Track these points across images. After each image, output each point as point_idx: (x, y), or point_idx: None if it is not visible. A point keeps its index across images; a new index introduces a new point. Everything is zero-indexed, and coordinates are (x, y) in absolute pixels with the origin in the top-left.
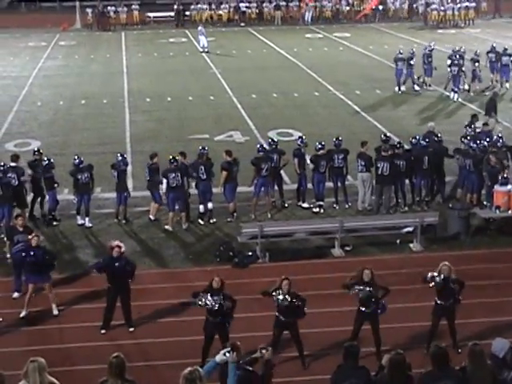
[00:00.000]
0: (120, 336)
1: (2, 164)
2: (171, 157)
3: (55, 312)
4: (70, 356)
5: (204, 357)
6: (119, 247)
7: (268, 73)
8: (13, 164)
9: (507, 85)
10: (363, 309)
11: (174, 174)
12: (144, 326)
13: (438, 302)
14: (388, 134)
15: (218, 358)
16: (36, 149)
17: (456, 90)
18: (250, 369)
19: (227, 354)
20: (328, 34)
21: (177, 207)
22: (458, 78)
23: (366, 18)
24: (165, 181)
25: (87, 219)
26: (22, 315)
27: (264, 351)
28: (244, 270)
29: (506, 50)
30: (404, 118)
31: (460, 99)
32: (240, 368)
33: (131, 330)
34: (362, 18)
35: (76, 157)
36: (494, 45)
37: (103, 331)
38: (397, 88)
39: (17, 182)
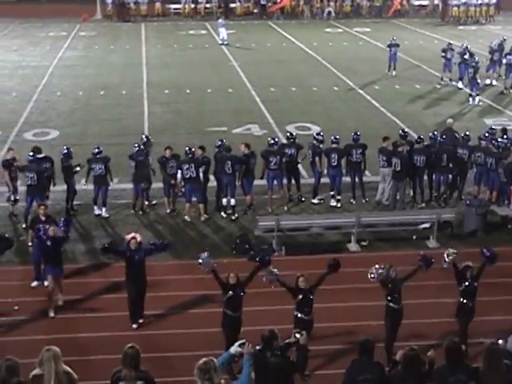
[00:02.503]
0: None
1: (32, 154)
2: (187, 148)
3: (60, 302)
4: (85, 346)
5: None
6: (134, 238)
7: (287, 66)
8: (42, 155)
9: None
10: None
11: (187, 166)
12: (158, 318)
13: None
14: (406, 130)
15: (233, 349)
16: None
17: (473, 94)
18: (284, 355)
19: (242, 346)
20: (348, 29)
21: (194, 199)
22: (473, 80)
23: (395, 13)
24: (179, 172)
25: (104, 209)
26: (51, 315)
27: (298, 335)
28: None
29: None
30: (423, 114)
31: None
32: (273, 355)
33: (141, 321)
34: (394, 13)
35: (96, 146)
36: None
37: (134, 326)
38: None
39: (50, 172)
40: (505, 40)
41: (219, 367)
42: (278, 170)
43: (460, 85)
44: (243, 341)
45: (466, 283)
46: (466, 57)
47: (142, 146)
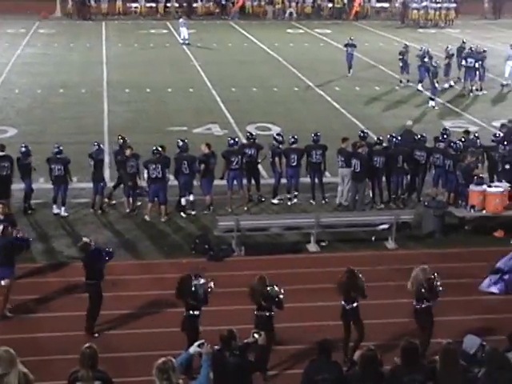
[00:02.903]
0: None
1: None
2: (155, 148)
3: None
4: (42, 346)
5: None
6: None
7: (248, 67)
8: (2, 153)
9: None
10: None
11: (154, 166)
12: (116, 318)
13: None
14: (365, 131)
15: (192, 349)
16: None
17: (432, 97)
18: (242, 355)
19: (201, 346)
20: (309, 30)
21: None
22: (432, 84)
23: (357, 15)
24: (145, 171)
25: (63, 209)
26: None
27: (257, 335)
28: (219, 263)
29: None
30: (382, 116)
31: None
32: (231, 355)
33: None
34: (355, 15)
35: (56, 145)
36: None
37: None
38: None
39: (9, 172)
40: (464, 43)
41: (178, 367)
42: (238, 170)
43: (420, 87)
44: (202, 341)
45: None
46: (426, 60)
47: (118, 147)
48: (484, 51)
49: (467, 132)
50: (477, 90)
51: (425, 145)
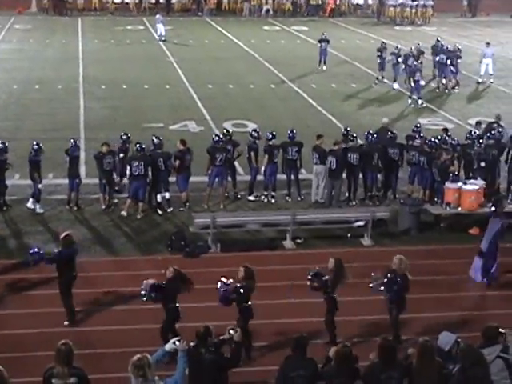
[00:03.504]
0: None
1: None
2: (138, 145)
3: None
4: (17, 342)
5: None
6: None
7: (225, 64)
8: None
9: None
10: None
11: (137, 163)
12: (92, 314)
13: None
14: (348, 128)
15: (168, 346)
16: None
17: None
18: (218, 351)
19: (177, 343)
20: (286, 27)
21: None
22: (414, 83)
23: (332, 12)
24: (128, 168)
25: (38, 206)
26: None
27: (232, 332)
28: (195, 260)
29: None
30: (359, 113)
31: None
32: (207, 351)
33: (66, 323)
34: (331, 12)
35: (35, 143)
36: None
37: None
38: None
39: None
40: (438, 41)
41: (153, 364)
42: (222, 167)
43: (395, 85)
44: (178, 338)
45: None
46: (400, 59)
47: (121, 143)
48: (458, 49)
49: (446, 130)
50: (452, 87)
51: (397, 142)
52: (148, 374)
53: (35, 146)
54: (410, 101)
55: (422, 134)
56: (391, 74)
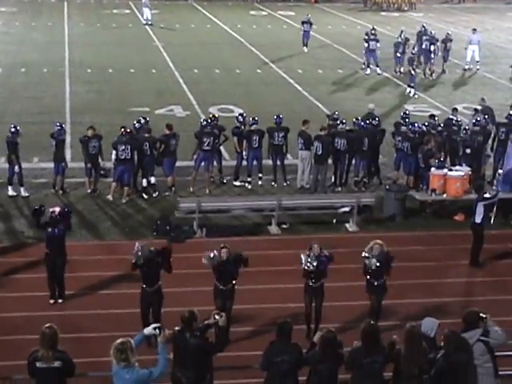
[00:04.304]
0: (53, 307)
1: None
2: (123, 129)
3: None
4: (2, 326)
5: (145, 324)
6: (53, 212)
7: (211, 48)
8: None
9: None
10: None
11: (123, 147)
12: (77, 298)
13: (370, 280)
14: (336, 113)
15: (147, 331)
16: None
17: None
18: (203, 336)
19: (157, 330)
20: (272, 12)
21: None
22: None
23: None
24: (114, 152)
25: (22, 189)
26: None
27: (218, 317)
28: (180, 245)
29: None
30: (345, 99)
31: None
32: (192, 336)
33: (60, 301)
34: None
35: (12, 125)
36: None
37: (51, 301)
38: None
39: None
40: (424, 28)
41: (135, 347)
42: (209, 152)
43: (378, 70)
44: (158, 325)
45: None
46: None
47: (135, 130)
48: (448, 35)
49: (432, 116)
50: (430, 74)
51: (379, 128)
52: (130, 359)
53: (12, 129)
54: (408, 89)
55: (409, 121)
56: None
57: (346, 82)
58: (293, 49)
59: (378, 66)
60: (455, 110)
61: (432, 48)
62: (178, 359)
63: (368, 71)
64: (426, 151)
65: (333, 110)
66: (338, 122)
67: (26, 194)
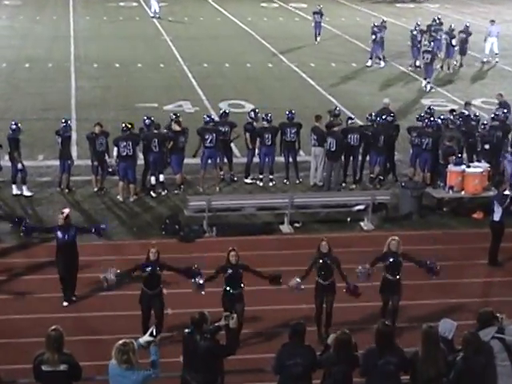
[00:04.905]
0: (59, 309)
1: None
2: (124, 125)
3: None
4: (9, 328)
5: (144, 330)
6: (62, 213)
7: (221, 42)
8: None
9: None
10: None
11: (125, 143)
12: (84, 300)
13: (388, 277)
14: (338, 108)
15: (142, 340)
16: None
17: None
18: (213, 338)
19: (151, 338)
20: (284, 4)
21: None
22: (429, 66)
23: None
24: (115, 149)
25: (24, 188)
26: None
27: (229, 319)
28: (190, 244)
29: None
30: (359, 93)
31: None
32: (202, 338)
33: (65, 304)
34: None
35: (13, 122)
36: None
37: (65, 303)
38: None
39: None
40: (435, 20)
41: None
42: (213, 149)
43: (382, 64)
44: (152, 338)
45: (391, 259)
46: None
47: (145, 127)
48: (467, 27)
49: (453, 110)
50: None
51: (394, 123)
52: (132, 360)
53: (13, 125)
54: (424, 83)
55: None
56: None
57: (359, 75)
58: (305, 42)
59: (380, 59)
60: (468, 104)
61: (454, 42)
62: (187, 362)
63: (382, 64)
64: (447, 148)
65: (346, 105)
66: (348, 120)
67: (29, 194)
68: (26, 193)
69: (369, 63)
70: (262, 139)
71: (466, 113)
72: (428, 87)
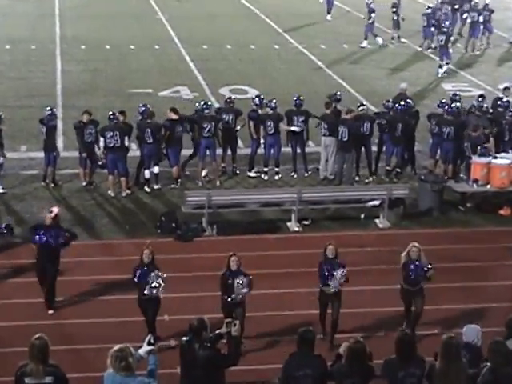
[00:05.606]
0: (44, 316)
1: None
2: (111, 113)
3: None
4: None
5: (151, 331)
6: (50, 212)
7: (222, 21)
8: None
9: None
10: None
11: (111, 133)
12: (71, 305)
13: (405, 286)
14: (338, 93)
15: (142, 351)
16: None
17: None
18: (214, 347)
19: (151, 347)
20: None
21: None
22: (444, 49)
23: None
24: (102, 140)
25: None
26: None
27: (231, 326)
28: (188, 244)
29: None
30: (373, 78)
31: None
32: (202, 347)
33: (50, 312)
34: None
35: None
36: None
37: (51, 311)
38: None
39: None
40: None
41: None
42: (212, 138)
43: (380, 40)
44: (152, 347)
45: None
46: (433, 22)
47: (140, 109)
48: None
49: (482, 96)
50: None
51: (413, 110)
52: (132, 365)
53: None
54: (443, 69)
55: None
56: (409, 32)
57: (373, 57)
58: (314, 21)
59: (376, 36)
60: (507, 88)
61: (481, 19)
62: (185, 373)
63: (380, 41)
64: (475, 138)
65: (360, 90)
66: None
67: (2, 191)
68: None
69: (363, 44)
70: (264, 127)
71: (497, 97)
72: (441, 71)
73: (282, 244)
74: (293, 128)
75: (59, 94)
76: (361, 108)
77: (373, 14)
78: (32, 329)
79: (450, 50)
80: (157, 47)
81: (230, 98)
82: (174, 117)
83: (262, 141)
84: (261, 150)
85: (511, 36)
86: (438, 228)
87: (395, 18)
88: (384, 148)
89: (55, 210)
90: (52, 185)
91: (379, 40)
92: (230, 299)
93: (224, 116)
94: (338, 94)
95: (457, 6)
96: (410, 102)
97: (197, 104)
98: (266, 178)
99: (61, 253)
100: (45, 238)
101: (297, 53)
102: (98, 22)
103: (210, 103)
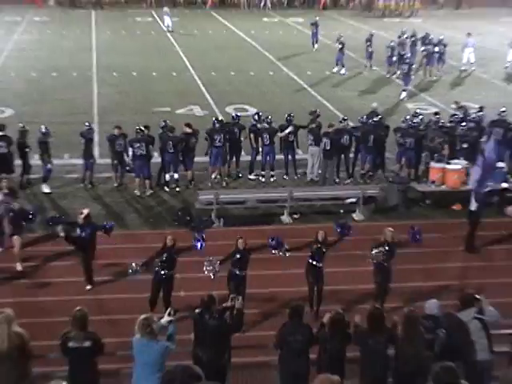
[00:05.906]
0: (84, 292)
1: None
2: (137, 127)
3: (19, 268)
4: (36, 309)
5: (151, 308)
6: (81, 213)
7: (227, 52)
8: (1, 133)
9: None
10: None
11: (138, 144)
12: (106, 284)
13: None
14: (318, 110)
15: (164, 321)
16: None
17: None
18: (221, 317)
19: (171, 315)
20: (283, 19)
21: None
22: (407, 76)
23: (325, 5)
24: (130, 149)
25: (44, 185)
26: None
27: (235, 300)
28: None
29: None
30: (350, 98)
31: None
32: (211, 317)
33: (88, 287)
34: (324, 5)
35: (43, 126)
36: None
37: (89, 287)
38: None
39: (6, 150)
40: (403, 33)
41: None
42: (221, 148)
43: (335, 69)
44: (171, 318)
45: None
46: (395, 54)
47: (161, 129)
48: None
49: (437, 113)
50: (433, 75)
51: (384, 125)
52: (155, 331)
53: (43, 130)
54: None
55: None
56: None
57: (350, 82)
58: (302, 52)
59: (343, 66)
60: (460, 107)
61: (437, 49)
62: (198, 339)
63: (342, 70)
64: (433, 148)
65: (338, 108)
66: (341, 121)
67: (48, 191)
68: (45, 190)
69: (335, 69)
70: (261, 139)
71: (452, 114)
72: (403, 95)
73: (276, 233)
74: (287, 130)
75: (95, 112)
76: (342, 124)
77: (340, 45)
78: (74, 302)
79: (412, 77)
80: (174, 74)
81: (236, 115)
82: (189, 130)
83: (260, 149)
84: (259, 157)
85: (461, 65)
86: (403, 220)
87: (369, 50)
88: (359, 155)
89: (85, 211)
90: (90, 186)
91: (342, 70)
92: (238, 272)
93: (232, 129)
94: (318, 111)
95: (414, 39)
96: (380, 118)
97: (213, 119)
98: (263, 179)
99: (96, 241)
100: (79, 233)
101: (288, 78)
102: (127, 53)
103: (220, 119)
